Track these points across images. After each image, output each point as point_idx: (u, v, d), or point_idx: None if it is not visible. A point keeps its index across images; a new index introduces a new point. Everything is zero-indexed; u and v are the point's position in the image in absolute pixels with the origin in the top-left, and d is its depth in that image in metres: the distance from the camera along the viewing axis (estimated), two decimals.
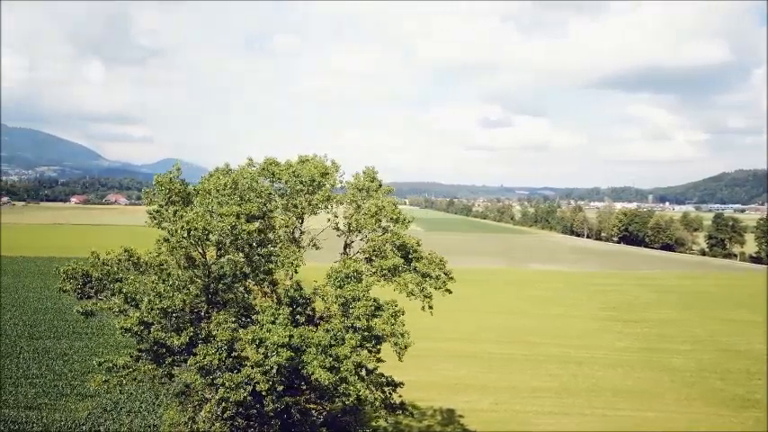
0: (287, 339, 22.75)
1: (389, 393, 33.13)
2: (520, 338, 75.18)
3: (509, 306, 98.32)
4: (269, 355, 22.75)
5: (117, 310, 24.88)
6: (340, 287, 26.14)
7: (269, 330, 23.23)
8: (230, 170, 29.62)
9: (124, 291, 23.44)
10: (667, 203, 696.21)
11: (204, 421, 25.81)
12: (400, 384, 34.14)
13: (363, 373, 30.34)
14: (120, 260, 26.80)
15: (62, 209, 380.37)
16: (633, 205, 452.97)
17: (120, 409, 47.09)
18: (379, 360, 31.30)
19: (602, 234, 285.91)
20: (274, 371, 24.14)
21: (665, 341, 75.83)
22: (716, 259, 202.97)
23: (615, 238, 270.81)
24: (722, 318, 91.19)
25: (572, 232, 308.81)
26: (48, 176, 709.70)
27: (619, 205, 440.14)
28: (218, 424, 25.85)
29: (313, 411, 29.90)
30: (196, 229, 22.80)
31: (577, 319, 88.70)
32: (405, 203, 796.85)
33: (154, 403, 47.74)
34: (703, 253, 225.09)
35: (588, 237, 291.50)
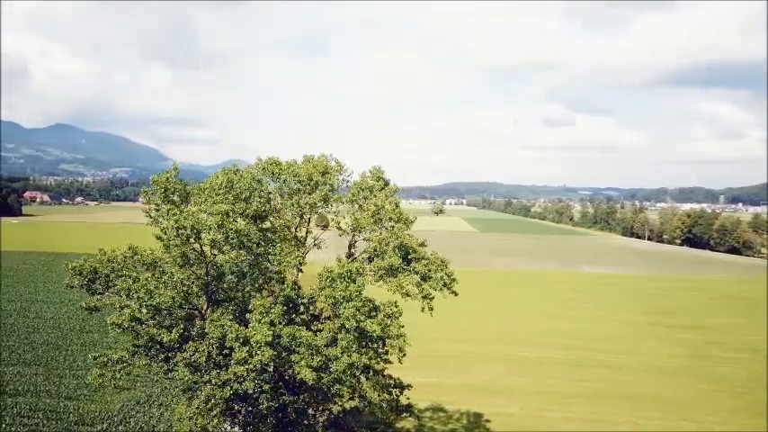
0: (270, 338, 22.87)
1: (396, 395, 32.86)
2: (556, 342, 73.18)
3: (548, 309, 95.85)
4: (253, 353, 22.92)
5: (119, 306, 25.81)
6: (332, 288, 26.08)
7: (254, 329, 23.45)
8: (237, 170, 30.06)
9: (119, 287, 24.24)
10: (740, 204, 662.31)
11: (204, 416, 26.34)
12: (408, 386, 33.72)
13: (370, 373, 30.32)
14: (125, 257, 27.82)
15: (129, 208, 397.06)
16: (701, 206, 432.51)
17: (152, 402, 48.82)
18: (386, 361, 31.04)
19: (664, 236, 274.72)
20: (270, 369, 24.42)
21: (714, 348, 72.08)
22: None
23: (678, 241, 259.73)
24: None
25: (632, 234, 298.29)
26: (119, 177, 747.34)
27: (686, 206, 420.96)
28: (215, 420, 26.38)
29: (312, 411, 29.98)
30: (184, 227, 23.31)
31: (618, 323, 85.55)
32: (462, 203, 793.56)
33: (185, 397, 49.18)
34: None
35: (649, 239, 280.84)
